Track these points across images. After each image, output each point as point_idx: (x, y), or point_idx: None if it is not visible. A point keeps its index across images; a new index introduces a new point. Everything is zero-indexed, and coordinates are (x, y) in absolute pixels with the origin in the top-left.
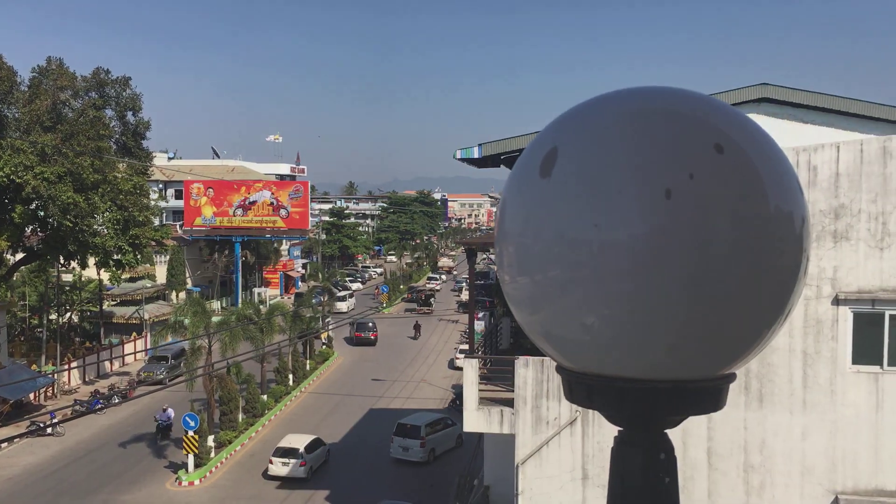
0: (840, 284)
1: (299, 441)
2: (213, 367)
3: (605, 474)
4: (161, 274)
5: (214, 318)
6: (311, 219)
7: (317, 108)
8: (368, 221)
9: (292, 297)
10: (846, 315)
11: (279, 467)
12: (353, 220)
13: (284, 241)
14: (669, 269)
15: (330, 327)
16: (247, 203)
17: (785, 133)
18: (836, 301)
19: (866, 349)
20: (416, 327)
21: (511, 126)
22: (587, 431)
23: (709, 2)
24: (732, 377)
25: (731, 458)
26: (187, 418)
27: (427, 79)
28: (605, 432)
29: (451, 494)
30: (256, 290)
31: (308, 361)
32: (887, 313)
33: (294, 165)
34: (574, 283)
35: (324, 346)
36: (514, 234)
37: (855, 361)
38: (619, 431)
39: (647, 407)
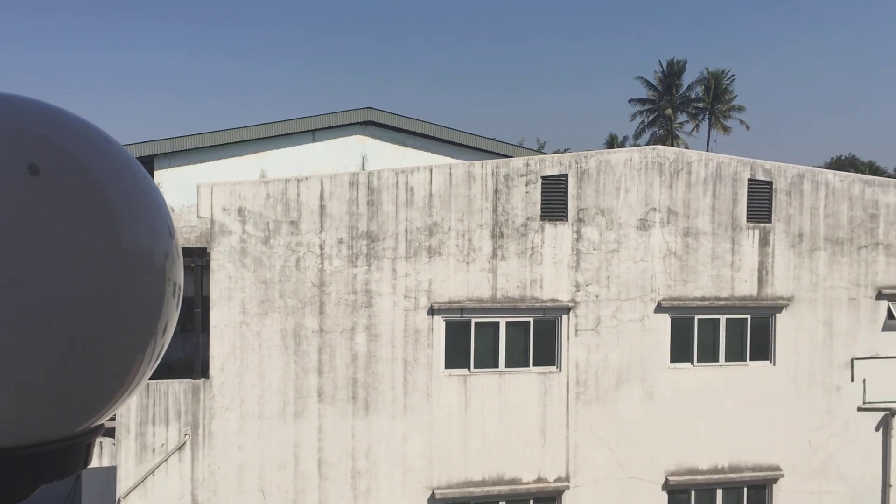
0: (434, 296)
1: None
2: None
3: (217, 498)
4: None
5: None
6: None
7: None
8: None
9: None
10: (440, 324)
11: None
12: None
13: None
14: None
15: None
16: None
17: (389, 155)
18: (431, 311)
19: (454, 354)
20: None
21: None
22: (196, 455)
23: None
24: (98, 430)
25: (341, 466)
26: None
27: (117, 81)
28: (215, 455)
29: None
30: None
31: None
32: (473, 321)
33: None
34: None
35: None
36: None
37: (447, 366)
38: None
39: None
